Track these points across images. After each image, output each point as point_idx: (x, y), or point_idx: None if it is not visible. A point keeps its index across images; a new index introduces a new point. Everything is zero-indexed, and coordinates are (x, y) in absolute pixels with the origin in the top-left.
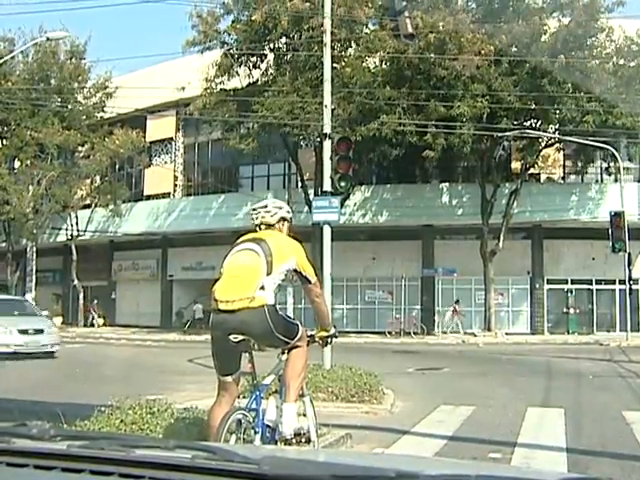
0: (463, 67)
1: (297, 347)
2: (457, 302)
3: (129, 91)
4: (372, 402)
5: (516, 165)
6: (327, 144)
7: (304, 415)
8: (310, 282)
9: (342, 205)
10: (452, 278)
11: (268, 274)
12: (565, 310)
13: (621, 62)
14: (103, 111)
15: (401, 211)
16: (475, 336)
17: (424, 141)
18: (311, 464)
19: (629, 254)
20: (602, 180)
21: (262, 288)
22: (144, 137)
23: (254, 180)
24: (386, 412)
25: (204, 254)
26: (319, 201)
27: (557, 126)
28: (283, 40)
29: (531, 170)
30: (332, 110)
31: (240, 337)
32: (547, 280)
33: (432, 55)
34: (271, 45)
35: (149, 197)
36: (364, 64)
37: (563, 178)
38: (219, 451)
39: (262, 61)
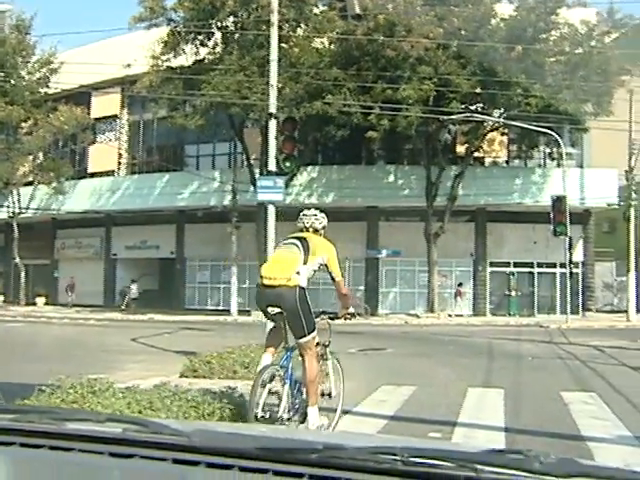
0: (411, 48)
1: (309, 352)
2: (460, 285)
3: (74, 67)
4: None
5: (461, 148)
6: (273, 124)
7: (327, 374)
8: (334, 280)
9: (287, 185)
10: (396, 259)
11: (304, 263)
12: (507, 292)
13: (566, 49)
14: (47, 87)
15: (346, 192)
16: (418, 317)
17: (369, 122)
18: (240, 437)
19: (570, 238)
20: (545, 165)
21: (298, 273)
22: (88, 114)
23: (199, 159)
24: (329, 391)
25: (148, 233)
26: (264, 181)
27: (502, 110)
28: (231, 19)
29: (476, 154)
30: (279, 90)
31: (276, 310)
32: (490, 263)
33: (380, 37)
34: (218, 23)
35: (93, 175)
36: (312, 44)
37: (507, 162)
38: (150, 424)
39: (209, 39)
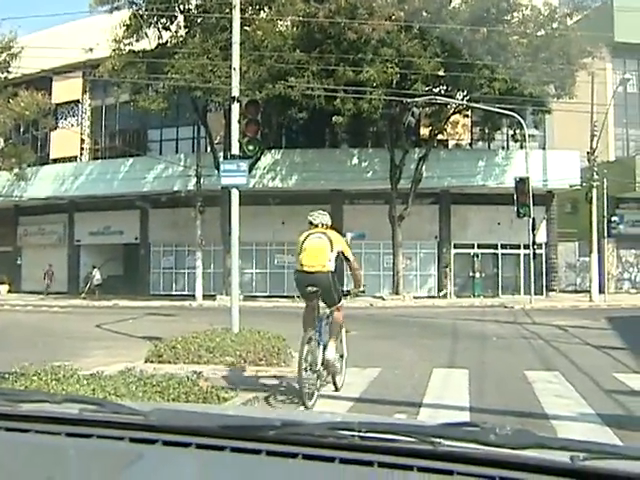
0: (372, 31)
1: (337, 311)
2: (446, 267)
3: (35, 51)
4: (280, 365)
5: (425, 131)
6: (235, 107)
7: (341, 341)
8: (349, 260)
9: (251, 169)
10: (361, 242)
11: (331, 251)
12: (471, 274)
13: (528, 31)
14: (7, 72)
15: (310, 175)
16: (383, 299)
17: (333, 106)
18: (198, 415)
19: (533, 219)
20: (508, 147)
21: (329, 261)
22: (50, 99)
23: (162, 144)
24: (294, 375)
25: (112, 218)
26: (227, 165)
27: (465, 93)
28: (194, 2)
29: (440, 136)
30: (242, 73)
31: (314, 289)
32: (454, 244)
33: (342, 19)
34: (181, 7)
35: (55, 160)
36: (275, 27)
37: (470, 144)
38: (107, 404)
39: (172, 22)
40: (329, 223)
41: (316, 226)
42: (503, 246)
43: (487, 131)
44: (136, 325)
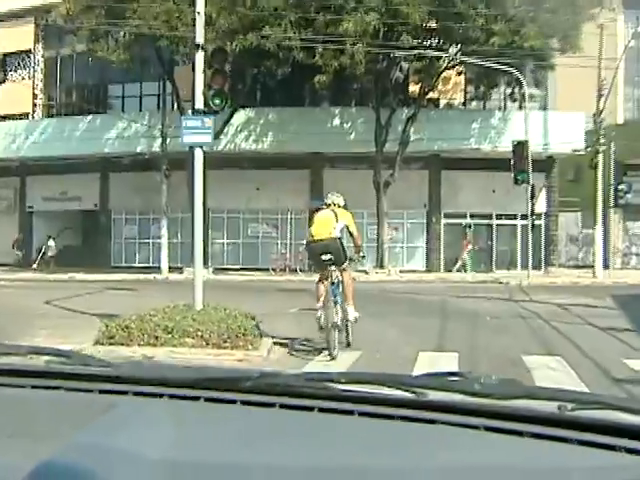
0: None
1: (345, 272)
2: (467, 230)
3: None
4: (247, 348)
5: (414, 88)
6: (200, 56)
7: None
8: (353, 235)
9: (222, 130)
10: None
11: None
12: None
13: None
14: None
15: (288, 136)
16: (367, 273)
17: (312, 60)
18: (169, 368)
19: (532, 187)
20: (505, 107)
21: (334, 229)
22: None
23: (125, 100)
24: (262, 359)
25: (69, 183)
26: (190, 121)
27: (459, 47)
28: None
29: (430, 94)
30: (211, 21)
31: (328, 256)
32: (444, 214)
33: None
34: None
35: (4, 117)
36: None
37: (464, 104)
38: (74, 356)
39: None
40: (342, 203)
41: (328, 205)
42: (498, 216)
43: (482, 89)
44: (92, 301)
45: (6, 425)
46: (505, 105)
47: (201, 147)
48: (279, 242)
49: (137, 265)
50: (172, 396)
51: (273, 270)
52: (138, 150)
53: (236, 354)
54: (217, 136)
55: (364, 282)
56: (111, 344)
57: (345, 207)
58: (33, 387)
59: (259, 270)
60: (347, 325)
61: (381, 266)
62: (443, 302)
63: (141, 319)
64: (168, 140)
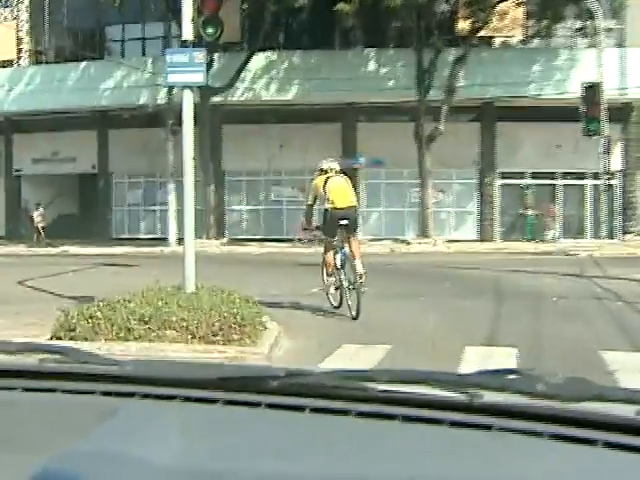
0: None
1: (356, 237)
2: (552, 204)
3: None
4: (244, 342)
5: (464, 24)
6: None
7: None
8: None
9: (238, 76)
10: (379, 170)
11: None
12: (522, 211)
13: None
14: None
15: (315, 84)
16: (408, 244)
17: None
18: (182, 366)
19: (607, 139)
20: (574, 45)
21: (354, 196)
22: None
23: (125, 44)
24: (262, 357)
25: (62, 141)
26: (176, 55)
27: None
28: None
29: (482, 31)
30: None
31: (345, 222)
32: (500, 173)
33: None
34: None
35: None
36: None
37: (523, 42)
38: (72, 353)
39: None
40: (338, 168)
41: (326, 172)
42: (564, 175)
43: (546, 24)
44: (76, 280)
45: None
46: (574, 42)
47: (191, 89)
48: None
49: (142, 236)
50: (186, 398)
51: (299, 241)
52: (140, 102)
53: (228, 351)
54: (232, 84)
55: (404, 254)
56: (72, 338)
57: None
58: (24, 389)
59: (283, 241)
60: (359, 287)
61: (424, 235)
62: (498, 279)
63: (112, 306)
64: (174, 90)
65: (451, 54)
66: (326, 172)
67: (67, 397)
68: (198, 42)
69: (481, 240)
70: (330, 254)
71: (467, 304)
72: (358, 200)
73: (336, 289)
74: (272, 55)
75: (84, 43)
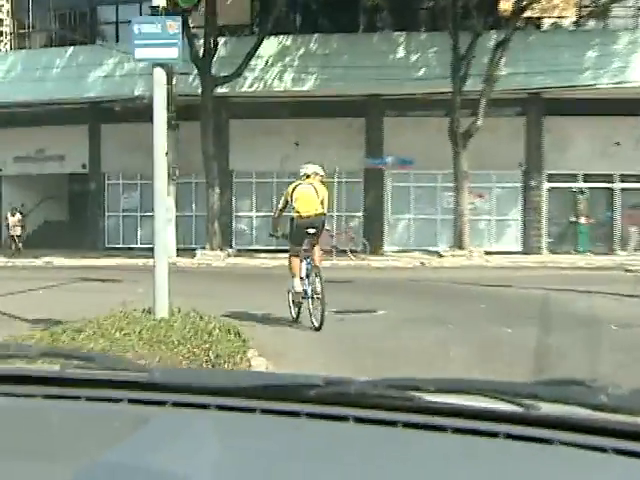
0: None
1: (317, 245)
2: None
3: None
4: None
5: (506, 4)
6: None
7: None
8: (324, 214)
9: (246, 63)
10: (408, 171)
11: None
12: (574, 219)
13: None
14: None
15: (336, 73)
16: (440, 256)
17: None
18: (215, 374)
19: None
20: (636, 26)
21: (321, 205)
22: None
23: (119, 27)
24: None
25: (47, 137)
26: (144, 25)
27: None
28: None
29: (529, 12)
30: None
31: (313, 230)
32: (548, 176)
33: None
34: None
35: None
36: None
37: (577, 24)
38: (98, 358)
39: None
40: (321, 173)
41: (308, 176)
42: (623, 178)
43: (603, 2)
44: (45, 298)
45: (14, 444)
46: (635, 23)
47: (162, 66)
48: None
49: (138, 246)
50: (220, 407)
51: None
52: (136, 93)
53: None
54: (239, 72)
55: (435, 269)
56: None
57: (323, 178)
58: (46, 396)
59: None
60: (323, 297)
61: (459, 246)
62: (544, 300)
63: (55, 337)
64: (174, 80)
65: (492, 38)
66: (308, 177)
67: (92, 405)
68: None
69: (525, 252)
70: (295, 265)
71: (506, 333)
72: (380, 205)
73: (297, 301)
74: (286, 40)
75: (72, 26)
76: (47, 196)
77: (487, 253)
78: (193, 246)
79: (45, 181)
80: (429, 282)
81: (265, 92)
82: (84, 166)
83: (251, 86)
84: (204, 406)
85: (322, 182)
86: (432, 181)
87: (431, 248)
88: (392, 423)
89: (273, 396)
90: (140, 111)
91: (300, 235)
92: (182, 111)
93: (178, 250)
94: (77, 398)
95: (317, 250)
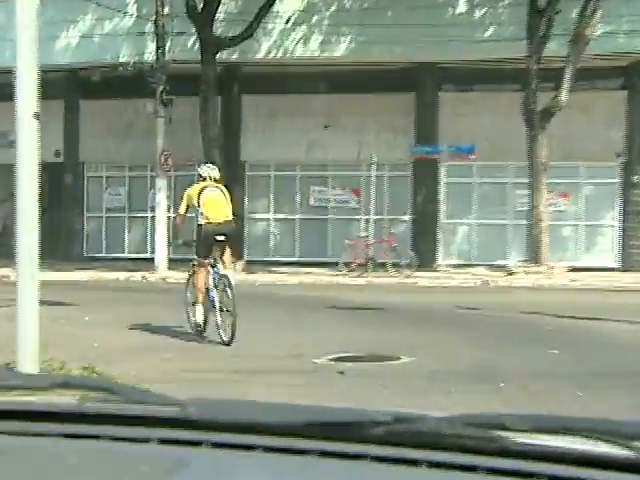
0: None
1: (228, 250)
2: None
3: None
4: None
5: None
6: None
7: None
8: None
9: (257, 21)
10: (470, 164)
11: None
12: None
13: None
14: None
15: (377, 35)
16: (510, 273)
17: None
18: (258, 407)
19: None
20: None
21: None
22: None
23: None
24: None
25: (9, 116)
26: None
27: None
28: None
29: None
30: None
31: (222, 237)
32: None
33: None
34: None
35: None
36: None
37: None
38: (120, 389)
39: None
40: (217, 176)
41: (204, 179)
42: None
43: None
44: None
45: None
46: None
47: None
48: (362, 218)
49: (126, 255)
50: (269, 448)
51: (346, 266)
52: (121, 59)
53: None
54: (250, 33)
55: (502, 289)
56: None
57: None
58: (62, 435)
59: (326, 265)
60: (233, 309)
61: (536, 260)
62: None
63: None
64: (168, 42)
65: None
66: (204, 179)
67: (116, 445)
68: None
69: (624, 269)
70: (202, 276)
71: (589, 402)
72: (433, 207)
73: (194, 331)
74: None
75: None
76: (10, 193)
77: (572, 269)
78: (191, 257)
79: (9, 173)
80: (489, 309)
81: (286, 60)
82: (57, 153)
83: (268, 53)
84: (250, 447)
85: (225, 185)
86: (500, 175)
87: (498, 262)
88: (473, 468)
89: (332, 435)
90: (126, 83)
91: (208, 244)
92: (177, 82)
93: (170, 261)
94: (98, 437)
95: (227, 255)
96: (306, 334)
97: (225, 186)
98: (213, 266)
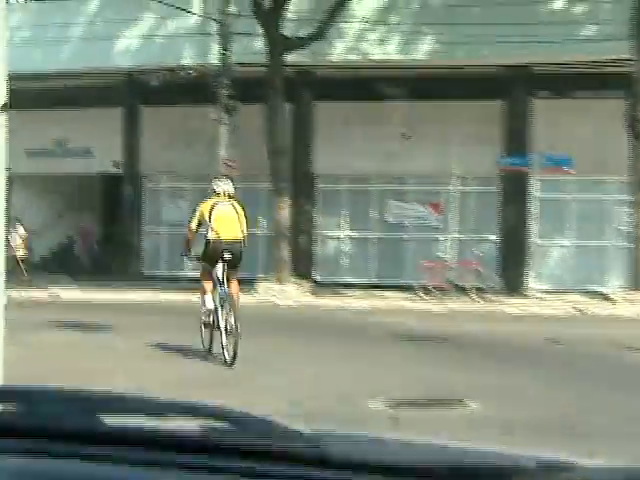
0: None
1: (235, 278)
2: None
3: None
4: None
5: None
6: None
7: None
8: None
9: (332, 22)
10: (564, 179)
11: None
12: None
13: None
14: None
15: (462, 35)
16: (609, 300)
17: None
18: (424, 448)
19: None
20: None
21: (241, 230)
22: None
23: None
24: None
25: (68, 124)
26: None
27: None
28: None
29: None
30: None
31: (229, 255)
32: None
33: None
34: None
35: None
36: None
37: None
38: (243, 421)
39: None
40: (232, 191)
41: (218, 195)
42: None
43: None
44: None
45: None
46: None
47: None
48: (443, 237)
49: (186, 274)
50: None
51: (424, 290)
52: (182, 62)
53: None
54: (321, 33)
55: (598, 319)
56: None
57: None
58: (188, 468)
59: (404, 289)
60: (236, 331)
61: (638, 287)
62: None
63: None
64: (231, 44)
65: None
66: (218, 195)
67: None
68: None
69: None
70: (207, 282)
71: None
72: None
73: (207, 321)
74: None
75: None
76: (70, 205)
77: None
78: (254, 276)
79: (66, 184)
80: (585, 344)
81: (361, 63)
82: (116, 164)
83: (342, 55)
84: None
85: (238, 201)
86: (599, 191)
87: (596, 288)
88: None
89: None
90: (187, 89)
91: (214, 256)
92: (243, 87)
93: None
94: (222, 471)
95: (234, 283)
96: (360, 370)
97: (238, 202)
98: (221, 284)
